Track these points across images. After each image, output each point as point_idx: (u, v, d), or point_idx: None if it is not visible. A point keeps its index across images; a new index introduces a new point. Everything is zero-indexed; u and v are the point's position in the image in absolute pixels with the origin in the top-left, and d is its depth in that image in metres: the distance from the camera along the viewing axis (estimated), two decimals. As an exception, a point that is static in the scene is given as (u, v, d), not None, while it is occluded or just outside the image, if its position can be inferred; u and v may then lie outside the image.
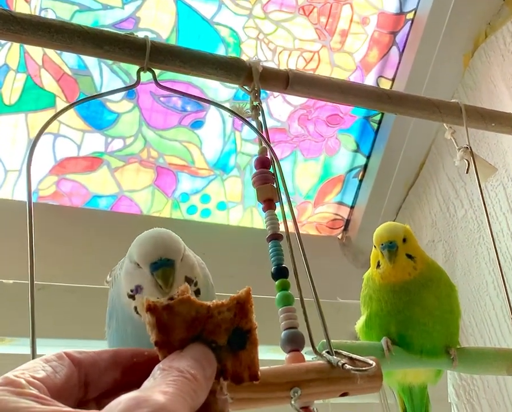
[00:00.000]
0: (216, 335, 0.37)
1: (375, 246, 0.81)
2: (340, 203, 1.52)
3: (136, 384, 0.32)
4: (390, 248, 0.77)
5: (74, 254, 1.20)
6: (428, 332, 0.78)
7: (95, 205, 1.29)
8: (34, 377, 0.32)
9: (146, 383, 0.33)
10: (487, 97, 1.29)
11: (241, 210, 1.42)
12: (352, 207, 1.53)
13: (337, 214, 1.53)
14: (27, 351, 1.03)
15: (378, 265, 0.80)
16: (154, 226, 0.66)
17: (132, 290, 0.62)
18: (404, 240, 0.79)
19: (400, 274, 0.78)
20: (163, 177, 1.32)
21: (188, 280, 0.63)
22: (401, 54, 1.38)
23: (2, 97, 1.15)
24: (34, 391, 0.31)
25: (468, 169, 0.94)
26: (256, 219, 1.43)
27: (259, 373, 0.38)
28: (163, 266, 0.60)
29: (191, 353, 0.36)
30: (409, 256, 0.79)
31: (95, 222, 1.25)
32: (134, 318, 0.63)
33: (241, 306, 0.38)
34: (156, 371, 0.34)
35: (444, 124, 0.96)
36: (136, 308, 0.63)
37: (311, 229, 1.50)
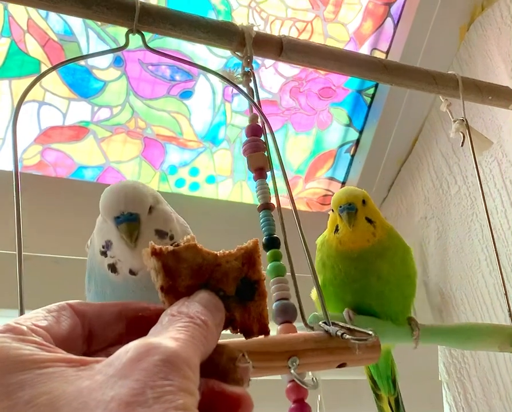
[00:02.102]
0: (224, 284, 0.37)
1: (333, 210, 0.79)
2: (331, 178, 1.50)
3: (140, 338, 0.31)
4: (350, 209, 0.76)
5: (58, 225, 1.17)
6: (385, 299, 0.77)
7: (80, 176, 1.25)
8: (36, 326, 0.31)
9: (154, 330, 0.32)
10: (483, 71, 1.27)
11: (231, 184, 1.39)
12: (343, 183, 1.50)
13: (328, 190, 1.50)
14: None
15: (337, 230, 0.78)
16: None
17: (103, 246, 0.62)
18: (364, 202, 0.77)
19: (359, 240, 0.77)
20: (151, 149, 1.29)
21: (160, 233, 0.62)
22: (395, 26, 1.35)
23: (-16, 62, 1.12)
24: (37, 339, 0.30)
25: (463, 142, 0.92)
26: (246, 193, 1.41)
27: (268, 326, 0.38)
28: (126, 221, 0.59)
29: (199, 299, 0.35)
30: (369, 220, 0.77)
31: (80, 194, 1.22)
32: (110, 278, 0.63)
33: (249, 257, 0.38)
34: (164, 317, 0.33)
35: (440, 96, 0.94)
36: (109, 266, 0.62)
37: (301, 205, 1.48)
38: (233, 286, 0.37)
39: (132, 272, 0.61)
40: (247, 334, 0.37)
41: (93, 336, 0.36)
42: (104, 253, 0.62)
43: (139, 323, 0.37)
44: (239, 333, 0.38)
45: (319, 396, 0.91)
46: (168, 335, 0.30)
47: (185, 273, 0.36)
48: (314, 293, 0.81)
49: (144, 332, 0.32)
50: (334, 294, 0.78)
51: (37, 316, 0.32)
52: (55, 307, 0.34)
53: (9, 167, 1.18)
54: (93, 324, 0.36)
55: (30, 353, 0.28)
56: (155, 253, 0.36)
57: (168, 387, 0.26)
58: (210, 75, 1.26)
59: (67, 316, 0.34)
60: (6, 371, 0.27)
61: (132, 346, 0.28)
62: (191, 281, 0.36)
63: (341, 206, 0.77)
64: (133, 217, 0.59)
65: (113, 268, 0.62)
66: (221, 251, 0.37)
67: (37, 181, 1.19)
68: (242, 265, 0.37)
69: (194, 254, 0.36)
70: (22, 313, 0.47)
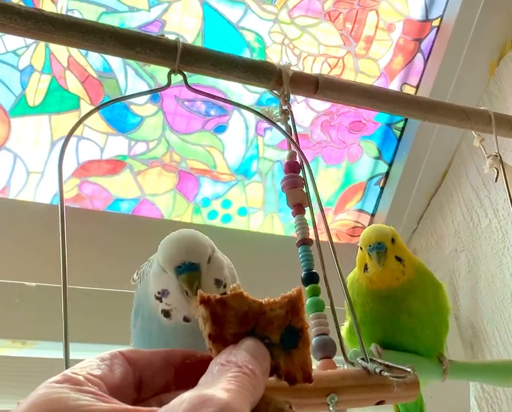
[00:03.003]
0: (269, 331, 0.37)
1: (361, 248, 0.78)
2: (361, 210, 1.51)
3: (188, 386, 0.31)
4: (379, 249, 0.75)
5: (94, 257, 1.19)
6: (417, 337, 0.77)
7: (116, 208, 1.28)
8: (91, 375, 0.32)
9: (204, 379, 0.32)
10: (513, 106, 1.28)
11: (262, 216, 1.40)
12: (373, 215, 1.51)
13: (357, 222, 1.51)
14: (49, 354, 1.02)
15: (366, 269, 0.77)
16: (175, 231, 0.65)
17: (159, 293, 0.62)
18: (393, 241, 0.76)
19: (389, 279, 0.76)
20: (185, 182, 1.31)
21: (218, 282, 0.61)
22: (426, 61, 1.37)
23: (26, 98, 1.15)
24: (93, 389, 0.30)
25: (497, 178, 0.93)
26: (277, 225, 1.42)
27: (312, 374, 0.38)
28: (187, 271, 0.59)
29: (246, 347, 0.35)
30: (398, 259, 0.76)
31: (116, 226, 1.25)
32: (160, 319, 0.63)
33: (293, 305, 0.38)
34: (214, 366, 0.33)
35: (473, 132, 0.95)
36: (163, 311, 0.62)
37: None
38: (277, 334, 0.37)
39: (185, 319, 0.61)
40: (291, 382, 0.37)
41: (143, 383, 0.36)
42: (159, 299, 0.62)
43: (186, 370, 0.37)
44: (283, 381, 0.38)
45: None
46: (220, 385, 0.30)
47: (232, 321, 0.37)
48: (344, 330, 0.81)
49: (191, 380, 0.33)
50: (365, 332, 0.78)
51: (91, 365, 0.33)
52: (108, 356, 0.35)
53: (48, 200, 1.21)
54: (143, 372, 0.36)
55: (88, 403, 0.29)
56: (203, 301, 0.36)
57: None
58: (244, 110, 1.28)
59: (119, 364, 0.35)
60: None
61: (187, 397, 0.29)
62: (237, 329, 0.36)
63: (370, 246, 0.75)
64: (194, 267, 0.59)
65: (166, 313, 0.62)
66: (265, 299, 0.38)
67: (74, 214, 1.22)
68: (286, 313, 0.37)
69: (240, 302, 0.37)
70: (66, 347, 0.49)
